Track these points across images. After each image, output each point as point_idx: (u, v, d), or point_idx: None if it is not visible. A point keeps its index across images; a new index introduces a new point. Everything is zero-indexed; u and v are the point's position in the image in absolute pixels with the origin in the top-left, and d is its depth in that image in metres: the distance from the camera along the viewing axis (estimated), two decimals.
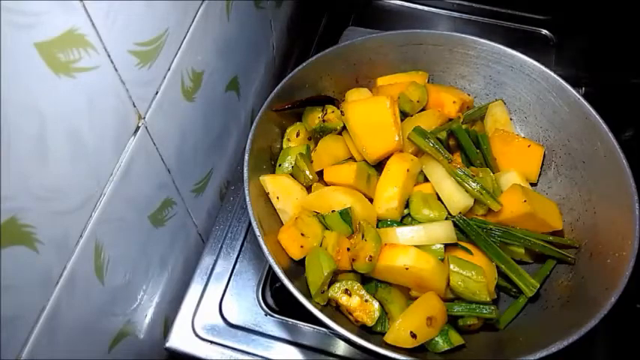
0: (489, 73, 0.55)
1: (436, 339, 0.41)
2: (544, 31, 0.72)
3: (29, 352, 0.34)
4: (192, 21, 0.46)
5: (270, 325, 0.50)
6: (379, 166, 0.48)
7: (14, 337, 0.33)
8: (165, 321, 0.56)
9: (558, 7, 0.71)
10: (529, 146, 0.51)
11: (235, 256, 0.54)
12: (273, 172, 0.50)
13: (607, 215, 0.46)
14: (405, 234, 0.44)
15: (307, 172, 0.47)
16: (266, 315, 0.50)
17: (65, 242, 0.36)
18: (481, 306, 0.42)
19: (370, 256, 0.41)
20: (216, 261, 0.53)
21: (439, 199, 0.47)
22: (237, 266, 0.53)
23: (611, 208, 0.46)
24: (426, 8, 0.74)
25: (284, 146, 0.51)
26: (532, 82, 0.53)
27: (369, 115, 0.48)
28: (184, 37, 0.45)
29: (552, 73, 0.51)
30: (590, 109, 0.48)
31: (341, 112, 0.49)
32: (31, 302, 0.34)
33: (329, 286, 0.43)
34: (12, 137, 0.29)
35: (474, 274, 0.41)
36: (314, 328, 0.49)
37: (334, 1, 0.75)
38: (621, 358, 0.50)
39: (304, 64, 0.53)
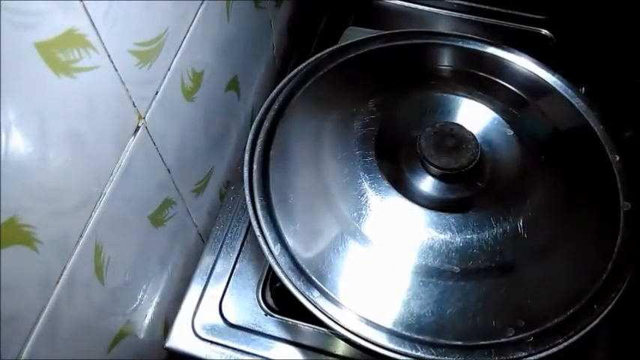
0: None
1: None
2: (544, 31, 0.72)
3: (29, 352, 0.34)
4: (192, 21, 0.46)
5: (270, 325, 0.50)
6: None
7: (14, 337, 0.33)
8: (165, 321, 0.56)
9: (558, 7, 0.71)
10: None
11: (235, 256, 0.54)
12: None
13: None
14: None
15: None
16: (266, 315, 0.50)
17: (65, 242, 0.36)
18: None
19: None
20: (216, 261, 0.53)
21: None
22: (237, 266, 0.53)
23: None
24: (426, 8, 0.74)
25: None
26: None
27: None
28: (184, 37, 0.45)
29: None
30: None
31: None
32: (31, 302, 0.34)
33: None
34: (12, 137, 0.29)
35: None
36: (314, 328, 0.49)
37: (334, 1, 0.75)
38: (621, 358, 0.50)
39: (303, 64, 0.53)
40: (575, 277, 0.44)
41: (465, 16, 0.73)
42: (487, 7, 0.73)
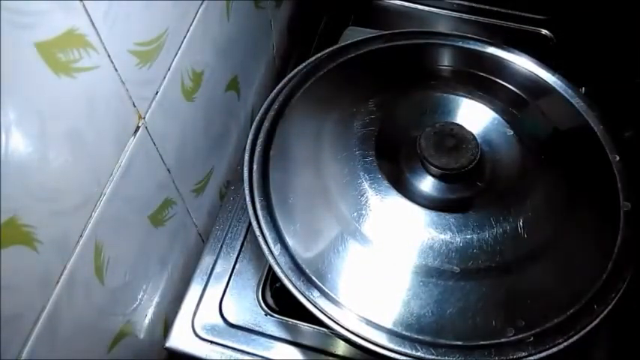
0: None
1: None
2: (544, 31, 0.72)
3: (29, 352, 0.34)
4: (192, 21, 0.46)
5: (270, 325, 0.50)
6: None
7: (14, 337, 0.33)
8: (165, 321, 0.56)
9: (558, 7, 0.71)
10: None
11: (235, 256, 0.54)
12: None
13: None
14: None
15: None
16: (266, 315, 0.50)
17: (65, 242, 0.36)
18: None
19: None
20: (216, 261, 0.53)
21: None
22: (237, 266, 0.53)
23: None
24: (426, 8, 0.74)
25: None
26: None
27: None
28: (184, 37, 0.45)
29: None
30: None
31: None
32: (30, 302, 0.34)
33: None
34: (12, 137, 0.29)
35: None
36: (314, 328, 0.49)
37: (334, 1, 0.75)
38: (621, 358, 0.50)
39: (303, 64, 0.53)
40: (575, 277, 0.44)
41: (464, 16, 0.73)
42: (487, 7, 0.73)
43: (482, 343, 0.41)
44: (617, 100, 0.59)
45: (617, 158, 0.49)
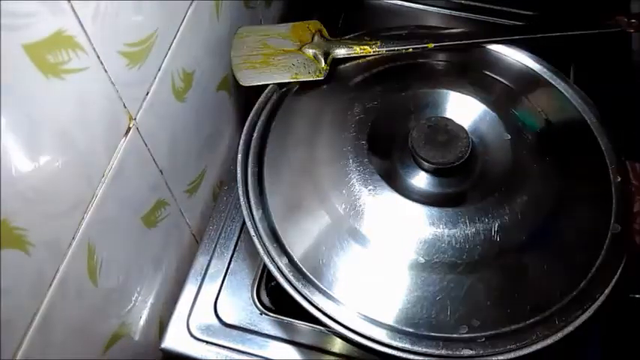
0: None
1: None
2: None
3: (23, 353, 0.34)
4: (182, 21, 0.46)
5: (265, 324, 0.50)
6: None
7: (7, 341, 0.33)
8: (160, 322, 0.56)
9: (547, 3, 0.71)
10: None
11: (229, 255, 0.54)
12: None
13: None
14: None
15: None
16: (261, 314, 0.50)
17: (57, 244, 0.36)
18: None
19: None
20: (210, 261, 0.53)
21: None
22: (231, 266, 0.53)
23: None
24: (418, 6, 0.74)
25: None
26: None
27: None
28: (174, 38, 0.45)
29: None
30: None
31: None
32: (23, 305, 0.34)
33: None
34: (1, 140, 0.29)
35: None
36: (310, 326, 0.49)
37: (324, 0, 0.75)
38: (614, 350, 0.50)
39: None
40: (549, 287, 0.44)
41: (454, 13, 0.73)
42: (478, 4, 0.73)
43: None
44: (617, 100, 0.59)
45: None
